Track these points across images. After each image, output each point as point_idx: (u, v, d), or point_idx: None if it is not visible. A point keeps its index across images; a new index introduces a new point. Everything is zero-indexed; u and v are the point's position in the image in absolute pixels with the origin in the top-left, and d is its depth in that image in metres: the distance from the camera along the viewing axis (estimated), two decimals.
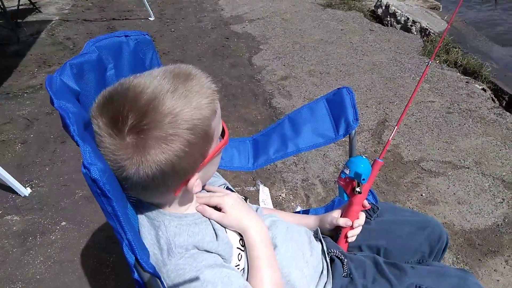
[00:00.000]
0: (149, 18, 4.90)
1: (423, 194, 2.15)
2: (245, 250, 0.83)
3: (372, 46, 3.99)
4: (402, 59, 3.66)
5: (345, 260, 1.03)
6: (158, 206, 0.77)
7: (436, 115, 2.81)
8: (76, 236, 1.95)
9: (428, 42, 3.97)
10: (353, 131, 1.30)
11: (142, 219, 0.76)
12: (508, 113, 2.80)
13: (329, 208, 1.45)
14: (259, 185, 2.20)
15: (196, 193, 0.75)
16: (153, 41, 4.21)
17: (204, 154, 0.71)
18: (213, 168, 0.82)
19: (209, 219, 0.82)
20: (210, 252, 0.74)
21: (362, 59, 3.71)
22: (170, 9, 5.42)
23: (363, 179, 1.04)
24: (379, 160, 1.10)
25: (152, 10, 4.92)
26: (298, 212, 1.47)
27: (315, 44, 4.08)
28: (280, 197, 2.16)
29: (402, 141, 2.57)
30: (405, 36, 4.21)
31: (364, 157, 1.07)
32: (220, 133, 0.76)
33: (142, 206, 0.77)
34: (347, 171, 1.06)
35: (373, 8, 4.93)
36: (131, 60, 0.87)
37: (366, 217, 1.16)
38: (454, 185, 2.20)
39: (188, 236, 0.73)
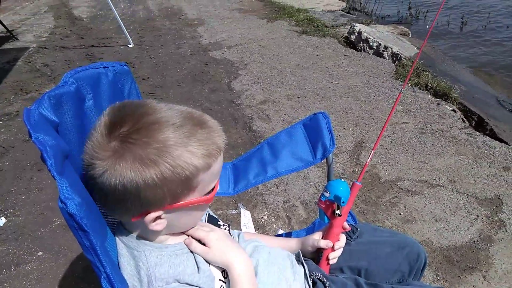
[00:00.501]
0: (128, 45, 4.94)
1: (401, 213, 2.20)
2: (227, 282, 0.83)
3: (346, 70, 4.12)
4: (376, 83, 3.80)
5: (327, 283, 1.03)
6: (139, 235, 0.76)
7: (410, 136, 2.91)
8: (53, 266, 1.89)
9: (400, 66, 4.14)
10: (330, 155, 1.34)
11: (122, 248, 0.75)
12: (477, 133, 2.93)
13: (310, 230, 1.47)
14: (240, 208, 2.20)
15: (156, 230, 0.72)
16: (133, 67, 4.24)
17: (176, 197, 0.69)
18: (188, 219, 0.78)
19: (189, 251, 0.80)
20: (191, 285, 0.74)
21: (338, 83, 3.82)
22: (149, 36, 5.48)
23: (343, 202, 1.07)
24: (357, 183, 1.14)
25: (131, 37, 4.97)
26: (281, 235, 1.48)
27: (292, 69, 4.19)
28: (262, 220, 2.17)
29: (379, 161, 2.64)
30: (378, 61, 4.37)
31: (343, 180, 1.10)
32: (208, 189, 0.74)
33: (122, 234, 0.76)
34: (327, 194, 1.09)
35: (346, 34, 5.12)
36: (110, 90, 0.89)
37: (346, 238, 1.19)
38: (430, 203, 2.27)
39: (169, 267, 0.73)
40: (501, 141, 2.86)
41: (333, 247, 1.09)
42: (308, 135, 1.41)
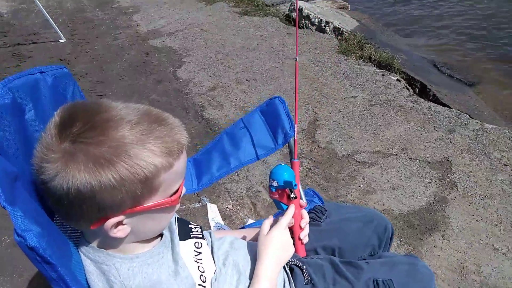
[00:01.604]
0: (60, 40, 4.59)
1: (361, 185, 2.26)
2: (206, 287, 0.79)
3: (292, 49, 4.12)
4: (322, 59, 3.83)
5: (304, 267, 1.03)
6: (103, 246, 0.70)
7: (360, 109, 2.97)
8: None
9: (342, 40, 4.20)
10: (292, 139, 1.34)
11: (89, 265, 0.69)
12: (422, 100, 3.06)
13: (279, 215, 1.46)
14: (204, 201, 2.15)
15: (118, 237, 0.66)
16: (68, 64, 3.96)
17: (137, 200, 0.64)
18: (153, 224, 0.72)
19: (162, 258, 0.76)
20: None
21: (285, 63, 3.82)
22: (81, 28, 5.13)
23: (295, 184, 1.06)
24: (295, 160, 1.17)
25: (61, 31, 4.62)
26: (250, 225, 1.46)
27: (238, 52, 4.12)
28: (228, 209, 2.13)
29: (334, 137, 2.68)
30: (321, 37, 4.41)
31: (282, 164, 1.10)
32: (172, 191, 0.69)
33: (86, 248, 0.70)
34: (275, 184, 1.07)
35: (287, 12, 5.11)
36: (51, 97, 0.79)
37: (315, 219, 1.21)
38: (386, 172, 2.34)
39: (143, 278, 0.68)
40: (444, 105, 3.01)
41: (300, 226, 1.09)
42: (267, 121, 1.39)
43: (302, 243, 1.11)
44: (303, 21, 4.71)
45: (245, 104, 3.13)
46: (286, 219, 1.00)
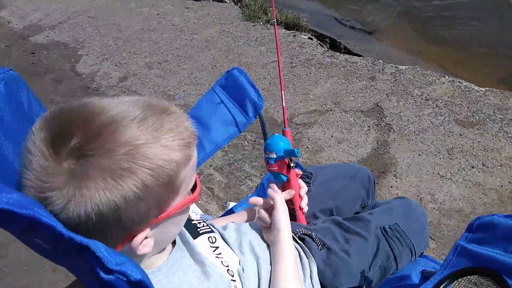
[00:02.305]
0: None
1: (309, 146, 2.28)
2: (236, 280, 0.73)
3: (196, 23, 3.93)
4: (230, 29, 3.72)
5: (313, 234, 1.02)
6: None
7: (284, 73, 2.97)
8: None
9: (244, 7, 4.12)
10: (262, 110, 1.28)
11: None
12: (338, 53, 3.17)
13: (261, 192, 1.40)
14: None
15: (144, 254, 0.58)
16: None
17: (162, 207, 0.56)
18: (174, 229, 0.65)
19: (183, 262, 0.68)
20: None
21: (193, 38, 3.63)
22: None
23: (297, 152, 1.02)
24: (286, 129, 1.14)
25: None
26: (235, 208, 1.37)
27: (138, 35, 3.80)
28: None
29: (268, 105, 2.64)
30: (221, 7, 4.27)
31: (275, 134, 1.07)
32: (190, 187, 0.62)
33: None
34: (273, 155, 1.04)
35: None
36: (8, 108, 0.60)
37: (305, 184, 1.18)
38: (328, 129, 2.39)
39: None
40: (358, 55, 3.15)
41: (300, 195, 1.07)
42: (230, 95, 1.30)
43: (303, 212, 1.10)
44: None
45: (165, 88, 2.92)
46: (286, 195, 1.01)
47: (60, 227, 0.38)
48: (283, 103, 1.22)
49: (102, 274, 0.38)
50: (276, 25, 1.41)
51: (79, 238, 0.38)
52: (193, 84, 2.95)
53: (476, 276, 0.58)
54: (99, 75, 3.19)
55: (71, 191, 0.47)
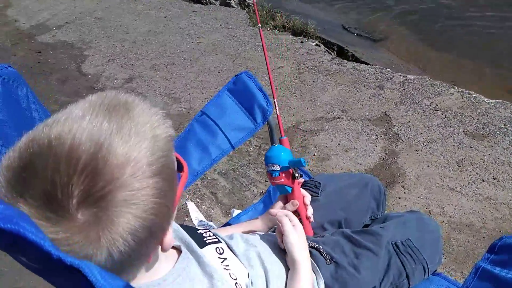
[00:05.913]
0: None
1: (315, 154, 2.24)
2: None
3: (202, 27, 3.91)
4: (237, 34, 3.70)
5: (320, 247, 0.97)
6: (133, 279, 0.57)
7: (291, 78, 2.94)
8: None
9: (251, 12, 4.10)
10: (271, 116, 1.24)
11: None
12: (345, 61, 3.13)
13: (266, 199, 1.36)
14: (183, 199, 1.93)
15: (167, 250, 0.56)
16: None
17: (174, 198, 0.53)
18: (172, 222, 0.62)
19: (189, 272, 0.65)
20: None
21: (200, 42, 3.61)
22: None
23: (304, 162, 0.97)
24: (283, 138, 1.08)
25: None
26: (239, 216, 1.33)
27: (145, 37, 3.78)
28: (187, 205, 1.94)
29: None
30: (228, 11, 4.25)
31: (275, 145, 1.01)
32: (175, 165, 0.57)
33: None
34: (276, 168, 0.98)
35: None
36: (5, 107, 0.56)
37: (312, 195, 1.13)
38: (335, 136, 2.35)
39: None
40: (365, 63, 3.11)
41: (305, 204, 1.02)
42: (239, 100, 1.27)
43: (309, 221, 1.04)
44: None
45: (171, 91, 2.89)
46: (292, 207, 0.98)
47: (48, 245, 0.33)
48: (277, 112, 1.16)
49: None
50: (261, 29, 1.38)
51: (69, 259, 0.33)
52: (199, 88, 2.92)
53: None
54: (105, 76, 3.16)
55: (107, 237, 0.43)
